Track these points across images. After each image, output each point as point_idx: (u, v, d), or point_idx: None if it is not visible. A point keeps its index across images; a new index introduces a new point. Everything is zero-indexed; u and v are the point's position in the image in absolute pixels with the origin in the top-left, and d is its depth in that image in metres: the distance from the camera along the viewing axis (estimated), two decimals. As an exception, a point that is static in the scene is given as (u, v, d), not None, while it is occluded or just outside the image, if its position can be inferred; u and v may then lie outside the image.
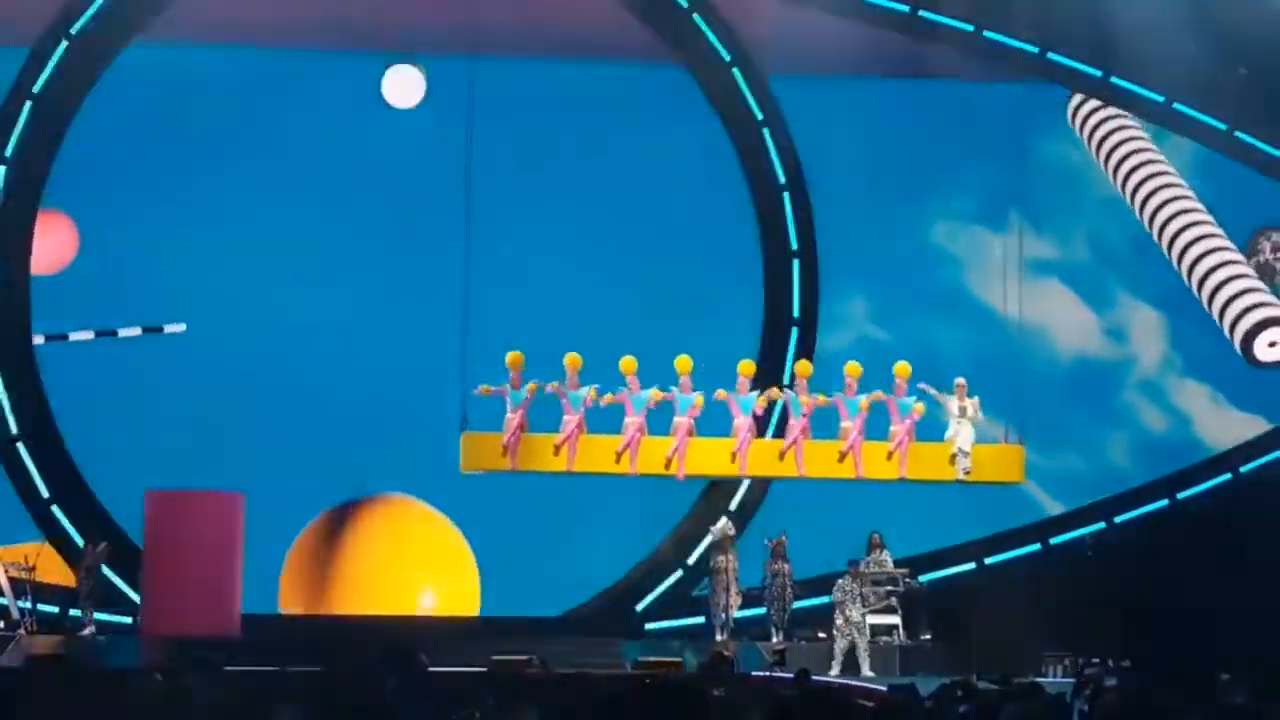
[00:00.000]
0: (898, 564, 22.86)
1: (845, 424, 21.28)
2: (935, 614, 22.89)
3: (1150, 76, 25.21)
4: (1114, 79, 25.57)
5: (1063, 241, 26.05)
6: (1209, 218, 25.96)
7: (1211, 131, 25.64)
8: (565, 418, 20.78)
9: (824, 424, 21.53)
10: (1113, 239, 26.17)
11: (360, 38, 24.41)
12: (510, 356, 20.71)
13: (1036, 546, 25.04)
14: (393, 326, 24.16)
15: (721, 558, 22.64)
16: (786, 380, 22.46)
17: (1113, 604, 22.84)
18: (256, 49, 24.32)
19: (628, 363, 20.83)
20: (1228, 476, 25.41)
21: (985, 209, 25.60)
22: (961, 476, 21.37)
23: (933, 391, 21.45)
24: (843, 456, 21.15)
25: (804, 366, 21.89)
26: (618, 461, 20.93)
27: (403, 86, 24.71)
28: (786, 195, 24.66)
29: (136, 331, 23.50)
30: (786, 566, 22.51)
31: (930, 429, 21.66)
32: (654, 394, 20.79)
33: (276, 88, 24.56)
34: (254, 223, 24.27)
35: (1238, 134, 25.59)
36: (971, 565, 24.74)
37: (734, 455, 21.18)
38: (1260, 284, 25.84)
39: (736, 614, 22.58)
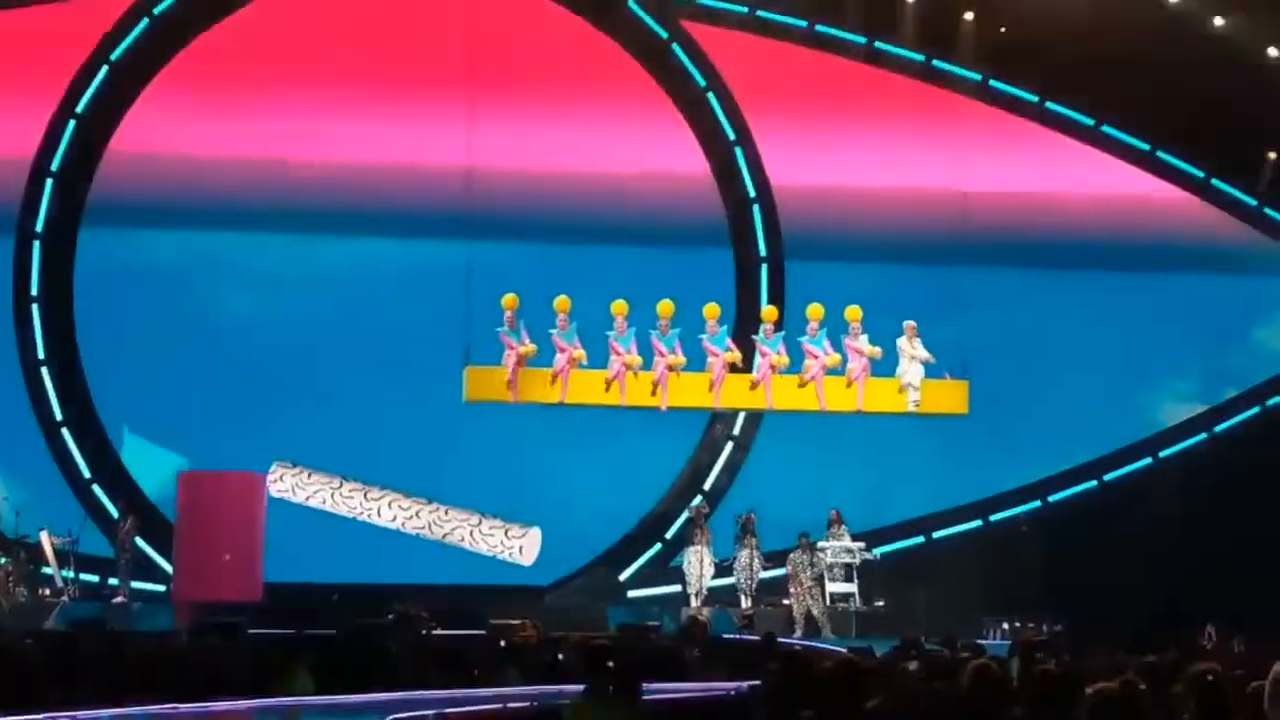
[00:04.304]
0: (855, 538, 23.04)
1: (808, 361, 21.21)
2: (889, 583, 23.16)
3: None
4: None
5: None
6: None
7: None
8: (558, 355, 20.76)
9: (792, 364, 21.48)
10: None
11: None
12: (505, 299, 20.69)
13: (978, 523, 25.23)
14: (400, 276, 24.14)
15: (696, 532, 22.87)
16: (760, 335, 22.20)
17: (1046, 574, 23.16)
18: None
19: (618, 306, 20.92)
20: (1148, 460, 25.62)
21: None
22: (911, 409, 21.40)
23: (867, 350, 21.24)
24: (803, 383, 21.16)
25: (770, 312, 22.05)
26: (607, 391, 21.00)
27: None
28: (756, 208, 25.03)
29: None
30: (754, 540, 22.74)
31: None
32: (673, 359, 20.72)
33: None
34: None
35: None
36: (920, 539, 24.96)
37: (711, 386, 21.30)
38: None
39: (709, 583, 22.81)
